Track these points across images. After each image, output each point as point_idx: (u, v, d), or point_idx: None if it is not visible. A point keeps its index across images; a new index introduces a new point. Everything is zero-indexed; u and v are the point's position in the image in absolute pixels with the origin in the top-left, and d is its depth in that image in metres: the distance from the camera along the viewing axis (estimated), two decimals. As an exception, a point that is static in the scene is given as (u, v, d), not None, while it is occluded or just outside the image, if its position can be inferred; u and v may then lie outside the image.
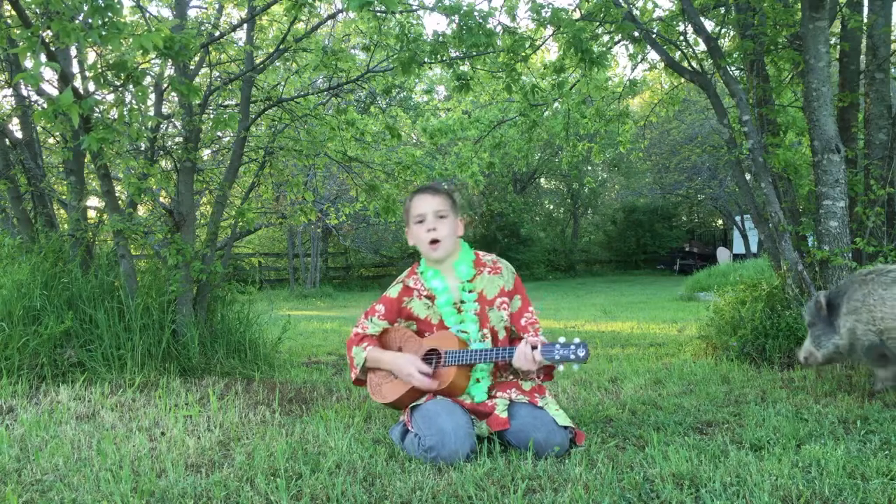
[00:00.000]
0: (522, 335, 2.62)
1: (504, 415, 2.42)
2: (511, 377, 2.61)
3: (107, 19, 2.78)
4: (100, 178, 3.94)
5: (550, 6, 4.53)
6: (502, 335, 2.63)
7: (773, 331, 4.03)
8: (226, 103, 5.56)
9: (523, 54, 5.09)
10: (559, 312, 9.63)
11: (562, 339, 2.39)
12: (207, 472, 2.20)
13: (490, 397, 2.52)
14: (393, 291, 2.70)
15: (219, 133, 5.58)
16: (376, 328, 2.68)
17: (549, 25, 4.87)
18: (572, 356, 2.33)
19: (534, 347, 2.38)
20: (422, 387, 2.48)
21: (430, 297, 2.63)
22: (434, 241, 2.57)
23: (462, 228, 2.68)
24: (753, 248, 19.76)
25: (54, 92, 4.15)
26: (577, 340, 2.35)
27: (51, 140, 5.50)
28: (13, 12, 3.18)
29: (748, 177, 4.65)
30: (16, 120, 4.78)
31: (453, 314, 2.59)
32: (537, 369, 2.46)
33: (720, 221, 28.02)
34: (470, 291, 2.61)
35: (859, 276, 3.25)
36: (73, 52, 4.08)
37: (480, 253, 2.73)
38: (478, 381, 2.54)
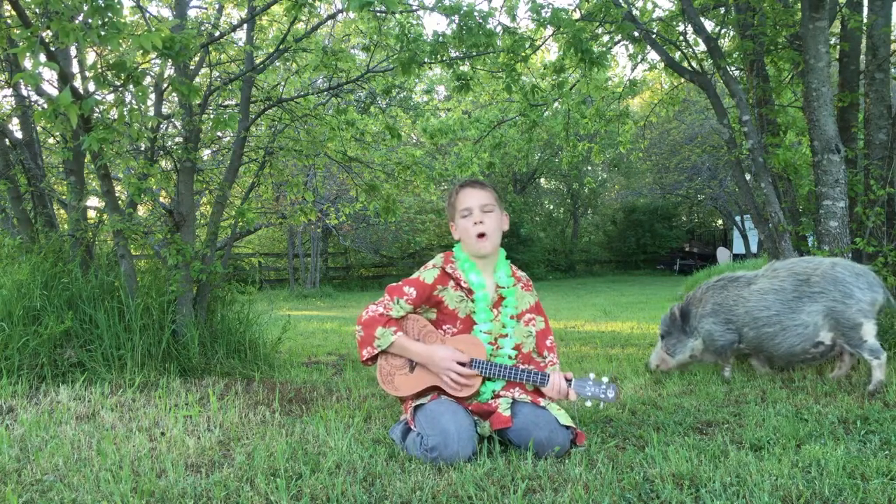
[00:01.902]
0: (544, 354, 2.71)
1: (507, 413, 2.42)
2: None
3: (106, 19, 2.78)
4: (100, 178, 3.94)
5: (550, 6, 4.54)
6: (526, 350, 2.65)
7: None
8: (226, 103, 5.56)
9: (523, 54, 5.09)
10: (559, 312, 9.62)
11: (592, 376, 2.50)
12: (207, 472, 2.20)
13: (493, 396, 2.53)
14: (428, 276, 2.55)
15: (219, 133, 5.58)
16: (400, 312, 2.53)
17: (549, 25, 4.87)
18: (602, 395, 2.47)
19: (567, 380, 2.48)
20: (453, 393, 2.42)
21: (468, 291, 2.58)
22: (481, 235, 2.55)
23: (507, 223, 2.66)
24: (753, 248, 19.77)
25: (54, 92, 4.14)
26: (605, 380, 2.49)
27: (51, 140, 5.50)
28: (13, 12, 3.18)
29: (748, 177, 4.65)
30: (16, 120, 4.78)
31: (487, 312, 2.57)
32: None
33: (720, 221, 28.03)
34: (510, 297, 2.63)
35: (712, 284, 3.64)
36: (73, 52, 4.08)
37: (514, 266, 2.74)
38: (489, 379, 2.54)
